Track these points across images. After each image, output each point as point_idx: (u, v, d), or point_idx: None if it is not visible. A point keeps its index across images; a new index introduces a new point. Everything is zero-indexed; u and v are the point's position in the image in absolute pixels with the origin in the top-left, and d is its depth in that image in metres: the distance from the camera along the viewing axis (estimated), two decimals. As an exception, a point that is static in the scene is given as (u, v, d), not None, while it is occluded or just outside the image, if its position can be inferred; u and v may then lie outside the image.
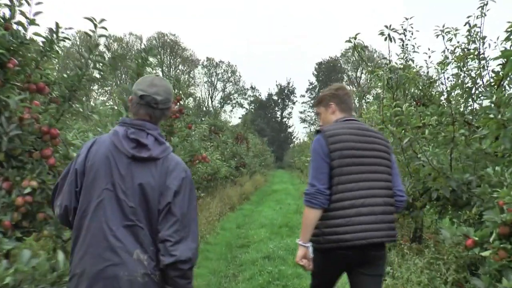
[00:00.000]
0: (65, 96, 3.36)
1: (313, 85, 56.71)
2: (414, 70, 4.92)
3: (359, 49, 4.74)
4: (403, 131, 4.43)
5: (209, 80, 56.60)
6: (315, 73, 56.79)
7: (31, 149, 3.30)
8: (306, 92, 57.28)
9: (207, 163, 7.89)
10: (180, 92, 7.25)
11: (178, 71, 52.93)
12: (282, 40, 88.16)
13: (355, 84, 53.50)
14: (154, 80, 2.04)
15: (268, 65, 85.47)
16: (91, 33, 3.31)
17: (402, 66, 5.06)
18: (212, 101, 56.15)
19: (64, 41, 3.57)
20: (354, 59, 53.63)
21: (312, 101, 55.23)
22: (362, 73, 53.25)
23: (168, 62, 52.90)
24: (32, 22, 3.42)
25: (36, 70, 3.48)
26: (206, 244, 6.79)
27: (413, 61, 4.96)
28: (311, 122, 54.98)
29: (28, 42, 3.48)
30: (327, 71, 54.88)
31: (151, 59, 3.25)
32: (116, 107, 3.19)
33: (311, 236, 2.55)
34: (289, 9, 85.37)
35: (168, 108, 2.08)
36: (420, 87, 5.71)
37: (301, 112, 57.16)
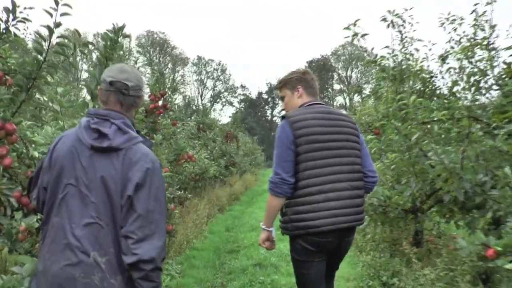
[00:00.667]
0: (22, 85, 2.87)
1: (303, 84, 56.44)
2: (419, 62, 4.47)
3: (359, 37, 4.29)
4: (409, 127, 3.99)
5: (199, 78, 56.09)
6: (305, 71, 56.48)
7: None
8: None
9: (194, 162, 7.38)
10: (167, 87, 6.79)
11: (167, 69, 52.37)
12: (273, 39, 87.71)
13: (345, 83, 53.40)
14: (124, 67, 1.98)
15: (258, 64, 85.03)
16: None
17: (404, 58, 4.62)
18: (202, 100, 55.69)
19: (24, 22, 3.07)
20: (345, 57, 53.61)
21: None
22: (352, 71, 53.18)
23: (157, 61, 52.29)
24: None
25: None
26: (192, 250, 6.30)
27: (417, 50, 4.50)
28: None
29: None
30: (318, 70, 54.70)
31: (124, 42, 2.77)
32: (81, 98, 2.73)
33: (281, 223, 2.62)
34: (280, 7, 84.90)
35: (139, 96, 2.00)
36: (422, 81, 5.28)
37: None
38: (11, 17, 3.03)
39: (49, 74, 2.83)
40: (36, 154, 2.97)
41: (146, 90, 6.98)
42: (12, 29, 3.07)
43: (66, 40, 2.84)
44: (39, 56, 2.85)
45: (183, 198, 8.11)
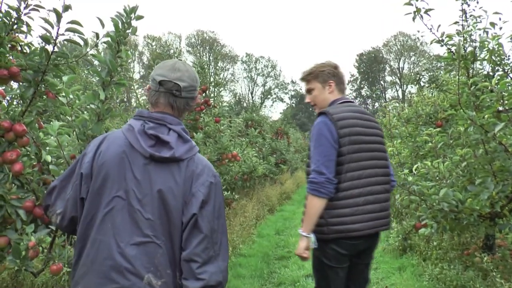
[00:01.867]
0: (31, 79, 2.51)
1: (355, 77, 55.26)
2: (496, 38, 3.76)
3: (422, 13, 3.65)
4: (486, 116, 3.33)
5: (249, 75, 56.00)
6: (356, 64, 55.29)
7: (-14, 152, 2.48)
8: (348, 84, 55.78)
9: (239, 161, 6.95)
10: (210, 82, 6.41)
11: (217, 67, 52.71)
12: (323, 32, 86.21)
13: (398, 75, 51.54)
14: (176, 64, 1.74)
15: (308, 58, 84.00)
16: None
17: (477, 33, 3.91)
18: (252, 97, 55.57)
19: (38, 10, 2.72)
20: (397, 48, 51.71)
21: (354, 93, 53.72)
22: (404, 62, 51.27)
23: (207, 59, 52.72)
24: None
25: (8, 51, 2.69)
26: (239, 257, 5.85)
27: (493, 25, 3.78)
28: (371, 114, 53.67)
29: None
30: (369, 62, 53.22)
31: (134, 23, 2.33)
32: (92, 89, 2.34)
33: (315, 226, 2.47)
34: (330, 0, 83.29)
35: (193, 98, 1.76)
36: (493, 63, 4.54)
37: (343, 105, 55.80)
38: (22, 5, 2.69)
39: (57, 67, 2.44)
40: (49, 158, 2.61)
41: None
42: (25, 18, 2.75)
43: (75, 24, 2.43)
44: (47, 46, 2.48)
45: (230, 199, 7.74)
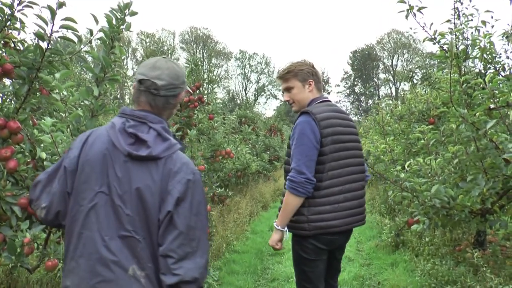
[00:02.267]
0: (25, 76, 2.51)
1: (348, 74, 55.37)
2: (487, 36, 3.79)
3: (414, 11, 3.68)
4: (477, 114, 3.37)
5: (243, 72, 55.92)
6: (350, 61, 55.35)
7: (-20, 149, 2.48)
8: (341, 81, 56.04)
9: (232, 158, 6.96)
10: (203, 79, 6.40)
11: (210, 64, 52.61)
12: (316, 30, 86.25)
13: (391, 72, 51.70)
14: (157, 62, 1.75)
15: (301, 55, 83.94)
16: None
17: (468, 31, 3.95)
18: (246, 94, 55.51)
19: (31, 7, 2.71)
20: (390, 46, 51.84)
21: (348, 90, 53.84)
22: (398, 60, 51.43)
23: (201, 56, 52.59)
24: None
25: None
26: (232, 253, 5.87)
27: (484, 23, 3.82)
28: (347, 112, 53.71)
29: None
30: (362, 59, 53.30)
31: (128, 19, 2.33)
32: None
33: (293, 223, 2.54)
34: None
35: (174, 95, 1.76)
36: (485, 61, 4.57)
37: (336, 102, 55.75)
38: (16, 1, 2.68)
39: (51, 64, 2.44)
40: (44, 155, 2.61)
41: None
42: (18, 15, 2.74)
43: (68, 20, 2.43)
44: (41, 43, 2.48)
45: (223, 196, 7.75)
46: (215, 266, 5.18)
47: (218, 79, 51.60)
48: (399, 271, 4.83)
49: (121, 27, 2.41)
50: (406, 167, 3.79)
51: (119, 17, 2.39)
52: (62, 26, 2.49)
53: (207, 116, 6.46)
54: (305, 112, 2.55)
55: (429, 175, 3.81)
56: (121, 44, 2.62)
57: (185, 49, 52.46)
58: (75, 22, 2.52)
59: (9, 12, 2.67)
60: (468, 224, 4.03)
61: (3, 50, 2.76)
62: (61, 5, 2.44)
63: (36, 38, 2.50)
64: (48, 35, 2.46)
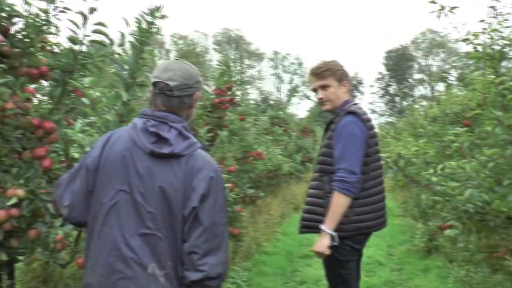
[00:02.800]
0: (59, 79, 2.60)
1: (382, 75, 54.42)
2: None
3: (446, 12, 3.58)
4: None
5: (275, 72, 55.89)
6: (384, 61, 54.39)
7: (16, 148, 2.58)
8: (375, 82, 55.10)
9: (263, 159, 6.97)
10: (234, 80, 6.44)
11: (244, 65, 52.86)
12: (350, 30, 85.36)
13: (427, 72, 50.54)
14: (169, 65, 1.81)
15: (335, 56, 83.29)
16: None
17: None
18: (279, 94, 55.47)
19: (65, 12, 2.80)
20: (425, 45, 50.69)
21: (382, 91, 52.99)
22: (433, 60, 50.28)
23: (234, 57, 52.91)
24: None
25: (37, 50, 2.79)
26: (262, 255, 5.88)
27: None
28: (381, 113, 52.68)
29: (19, 14, 2.77)
30: (397, 60, 52.29)
31: (159, 22, 2.38)
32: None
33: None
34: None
35: (188, 95, 1.79)
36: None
37: (370, 103, 54.99)
38: (51, 7, 2.78)
39: (84, 66, 2.52)
40: (76, 155, 2.70)
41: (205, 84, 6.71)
42: (53, 19, 2.84)
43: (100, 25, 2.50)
44: (74, 47, 2.56)
45: (255, 196, 7.77)
46: (244, 267, 5.20)
47: (251, 80, 51.82)
48: (431, 277, 4.72)
49: (151, 31, 2.45)
50: (438, 171, 3.70)
51: (149, 20, 2.43)
52: (94, 31, 2.57)
53: (238, 117, 6.49)
54: (351, 113, 2.56)
55: (463, 179, 3.71)
56: (154, 47, 2.68)
57: (218, 51, 52.88)
58: (106, 26, 2.59)
59: (45, 17, 2.79)
60: (505, 230, 3.90)
61: (41, 53, 2.88)
62: (92, 10, 2.52)
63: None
64: (81, 39, 2.55)
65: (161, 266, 1.62)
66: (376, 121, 48.36)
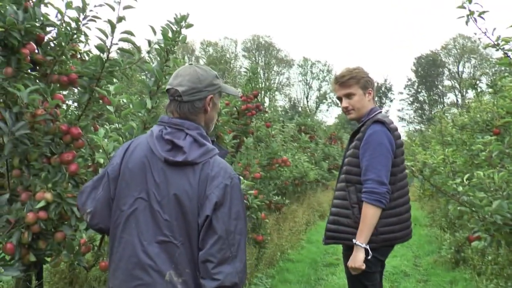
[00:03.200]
0: (86, 86, 2.68)
1: (412, 81, 53.54)
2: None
3: (475, 16, 3.52)
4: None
5: (304, 79, 55.79)
6: (414, 68, 53.52)
7: (45, 153, 2.67)
8: (404, 89, 54.20)
9: (289, 166, 6.96)
10: (261, 87, 6.48)
11: (272, 72, 52.97)
12: (379, 35, 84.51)
13: (457, 79, 49.40)
14: (180, 70, 1.80)
15: (364, 63, 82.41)
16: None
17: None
18: (307, 101, 55.31)
19: (95, 21, 2.89)
20: (456, 51, 49.59)
21: (411, 98, 52.10)
22: (464, 66, 49.10)
23: (262, 64, 53.11)
24: (68, 5, 2.82)
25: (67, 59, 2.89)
26: (286, 262, 5.86)
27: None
28: (410, 120, 51.79)
29: (52, 23, 2.88)
30: (427, 66, 51.37)
31: (184, 32, 2.41)
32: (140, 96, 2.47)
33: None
34: (386, 3, 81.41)
35: (200, 99, 1.76)
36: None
37: (399, 110, 54.21)
38: (81, 16, 2.87)
39: (112, 74, 2.59)
40: (101, 160, 2.76)
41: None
42: (83, 28, 2.93)
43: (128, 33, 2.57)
44: (101, 55, 2.64)
45: (280, 204, 7.76)
46: (268, 274, 5.20)
47: (280, 86, 51.83)
48: (459, 289, 4.61)
49: (177, 39, 2.50)
50: (464, 180, 3.62)
51: (175, 29, 2.48)
52: (121, 39, 2.65)
53: (264, 124, 6.51)
54: (378, 121, 2.51)
55: (491, 189, 3.62)
56: (176, 56, 2.72)
57: (247, 57, 53.19)
58: (133, 35, 2.66)
59: (75, 26, 2.88)
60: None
61: (71, 61, 2.97)
62: (120, 19, 2.60)
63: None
64: (108, 47, 2.62)
65: (178, 274, 1.62)
66: (404, 128, 47.52)
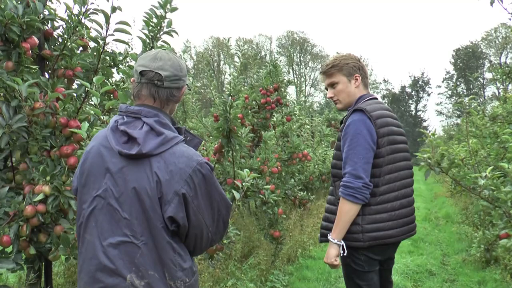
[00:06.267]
0: (83, 78, 2.65)
1: (450, 74, 51.77)
2: None
3: None
4: None
5: (339, 75, 55.13)
6: (453, 60, 51.71)
7: (45, 146, 2.67)
8: (443, 82, 52.39)
9: (309, 161, 6.81)
10: (282, 80, 6.35)
11: (308, 68, 52.62)
12: (415, 27, 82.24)
13: (499, 71, 47.37)
14: (158, 54, 1.65)
15: (400, 56, 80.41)
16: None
17: None
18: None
19: (97, 13, 2.86)
20: (498, 42, 47.57)
21: (449, 92, 50.47)
22: (507, 57, 47.04)
23: (297, 60, 52.83)
24: (76, 0, 2.80)
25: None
26: (307, 259, 5.70)
27: None
28: (448, 115, 50.11)
29: (53, 17, 2.87)
30: (466, 58, 49.54)
31: (170, 16, 2.30)
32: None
33: (347, 233, 2.30)
34: (426, -5, 79.13)
35: (178, 88, 1.66)
36: None
37: (437, 104, 52.53)
38: (83, 9, 2.85)
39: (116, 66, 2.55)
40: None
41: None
42: (86, 22, 2.91)
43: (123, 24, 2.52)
44: (97, 45, 2.60)
45: (305, 199, 7.63)
46: (286, 270, 5.08)
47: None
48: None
49: (162, 25, 2.42)
50: (488, 173, 3.40)
51: (159, 14, 2.39)
52: (116, 30, 2.60)
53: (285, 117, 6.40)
54: (358, 110, 2.32)
55: (517, 183, 3.37)
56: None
57: (282, 54, 52.96)
58: (128, 25, 2.60)
59: (77, 19, 2.87)
60: None
61: (77, 54, 2.96)
62: (114, 9, 2.54)
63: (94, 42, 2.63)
64: (104, 38, 2.58)
65: (140, 276, 1.50)
66: (442, 123, 45.99)
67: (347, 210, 2.24)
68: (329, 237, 2.31)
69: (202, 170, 1.56)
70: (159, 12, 2.41)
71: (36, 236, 2.67)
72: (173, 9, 2.42)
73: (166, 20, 2.41)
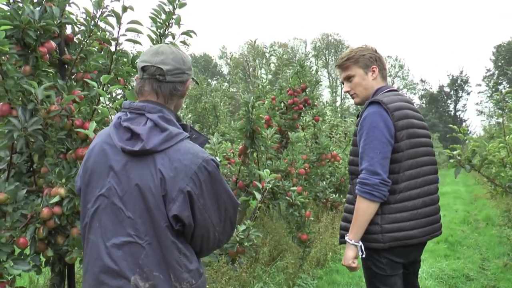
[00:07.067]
0: (96, 80, 2.64)
1: (491, 72, 49.88)
2: None
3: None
4: None
5: (375, 76, 54.33)
6: (493, 58, 49.82)
7: (61, 149, 2.67)
8: (483, 80, 50.67)
9: (338, 162, 6.67)
10: (309, 80, 6.22)
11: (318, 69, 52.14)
12: (453, 25, 79.92)
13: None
14: (160, 48, 1.61)
15: (438, 55, 78.30)
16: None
17: None
18: (378, 98, 53.81)
19: (112, 16, 2.86)
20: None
21: (490, 90, 48.65)
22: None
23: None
24: (95, 5, 2.81)
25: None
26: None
27: None
28: (490, 114, 48.34)
29: (70, 22, 2.88)
30: (508, 55, 47.64)
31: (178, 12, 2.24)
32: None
33: (364, 234, 2.15)
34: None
35: (182, 82, 1.61)
36: None
37: (477, 104, 50.84)
38: (98, 12, 2.85)
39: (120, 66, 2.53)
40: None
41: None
42: (101, 24, 2.91)
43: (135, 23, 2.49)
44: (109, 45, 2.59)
45: (337, 202, 7.47)
46: (315, 274, 4.96)
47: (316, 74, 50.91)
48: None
49: (171, 21, 2.37)
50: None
51: (167, 10, 2.35)
52: (128, 29, 2.58)
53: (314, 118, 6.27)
54: (374, 102, 2.19)
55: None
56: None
57: (317, 57, 52.64)
58: (140, 24, 2.58)
59: (92, 22, 2.87)
60: None
61: (95, 57, 2.96)
62: (125, 9, 2.52)
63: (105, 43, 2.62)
64: (116, 38, 2.57)
65: (144, 278, 1.46)
66: (483, 123, 44.42)
67: (364, 209, 2.11)
68: (346, 238, 2.20)
69: (208, 167, 1.51)
70: (168, 8, 2.36)
71: (54, 238, 2.68)
72: (182, 5, 2.38)
73: (174, 16, 2.37)
